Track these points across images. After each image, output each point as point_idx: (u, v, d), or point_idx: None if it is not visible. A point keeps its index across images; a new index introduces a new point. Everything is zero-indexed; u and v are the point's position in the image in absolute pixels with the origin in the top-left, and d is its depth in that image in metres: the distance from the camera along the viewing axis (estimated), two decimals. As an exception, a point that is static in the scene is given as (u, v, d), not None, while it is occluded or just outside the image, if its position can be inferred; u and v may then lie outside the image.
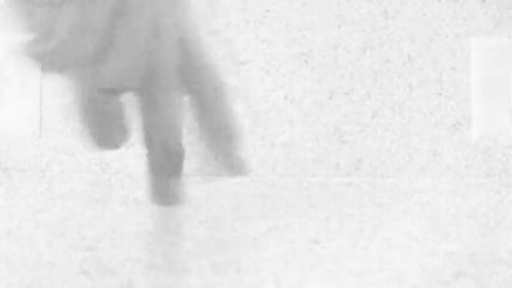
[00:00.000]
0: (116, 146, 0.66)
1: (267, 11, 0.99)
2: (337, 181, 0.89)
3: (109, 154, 1.01)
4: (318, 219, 0.56)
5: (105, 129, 0.66)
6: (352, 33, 0.98)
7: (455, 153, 0.98)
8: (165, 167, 0.65)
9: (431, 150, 0.98)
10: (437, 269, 0.38)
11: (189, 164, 0.89)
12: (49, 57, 0.62)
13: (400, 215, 0.59)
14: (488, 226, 0.53)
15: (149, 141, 0.66)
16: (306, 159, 0.98)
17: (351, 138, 0.98)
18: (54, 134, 1.01)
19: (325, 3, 0.99)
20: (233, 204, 0.65)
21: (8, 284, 0.34)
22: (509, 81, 0.99)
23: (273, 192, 0.75)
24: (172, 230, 0.50)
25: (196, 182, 0.84)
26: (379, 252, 0.43)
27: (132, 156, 1.01)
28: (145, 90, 0.64)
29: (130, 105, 0.70)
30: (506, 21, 0.99)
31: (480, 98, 0.98)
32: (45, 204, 0.64)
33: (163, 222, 0.54)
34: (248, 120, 0.99)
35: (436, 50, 0.98)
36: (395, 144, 0.97)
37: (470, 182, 0.89)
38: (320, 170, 0.98)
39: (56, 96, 1.02)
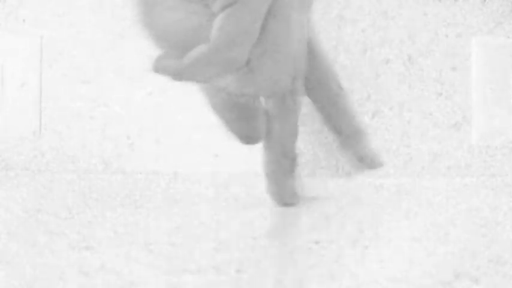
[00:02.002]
0: (254, 141, 0.64)
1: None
2: (338, 181, 0.89)
3: (109, 154, 1.01)
4: (318, 219, 0.56)
5: (244, 127, 0.64)
6: (352, 33, 0.98)
7: (455, 153, 0.98)
8: (283, 169, 0.64)
9: (431, 150, 0.98)
10: (437, 269, 0.38)
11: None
12: (196, 66, 0.60)
13: (400, 215, 0.59)
14: (488, 226, 0.53)
15: (270, 144, 0.64)
16: (306, 159, 0.98)
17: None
18: (54, 134, 1.01)
19: (325, 3, 0.99)
20: (233, 204, 0.65)
21: (8, 284, 0.34)
22: (509, 81, 0.99)
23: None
24: (172, 231, 0.51)
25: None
26: (379, 252, 0.43)
27: (132, 156, 1.01)
28: (280, 95, 0.62)
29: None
30: (506, 21, 0.99)
31: (480, 98, 0.98)
32: (45, 204, 0.64)
33: (164, 223, 0.54)
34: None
35: (436, 50, 0.98)
36: (395, 144, 0.97)
37: (470, 182, 0.89)
38: (320, 170, 0.98)
39: (56, 96, 1.02)
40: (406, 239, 0.48)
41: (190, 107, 1.03)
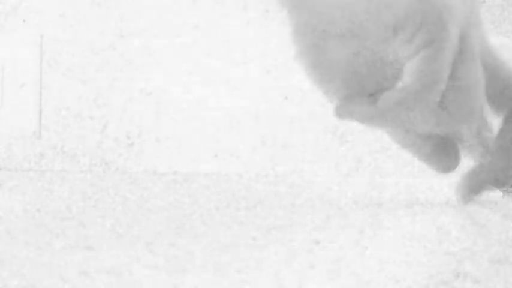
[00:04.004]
0: (449, 170, 0.64)
1: (266, 11, 0.99)
2: (337, 181, 0.89)
3: (109, 154, 1.01)
4: (318, 219, 0.56)
5: (440, 159, 0.64)
6: (352, 33, 0.98)
7: (455, 153, 0.98)
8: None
9: (431, 150, 0.97)
10: (437, 269, 0.38)
11: None
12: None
13: (400, 215, 0.59)
14: (488, 226, 0.53)
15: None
16: (305, 159, 0.98)
17: (351, 138, 0.98)
18: (54, 134, 1.01)
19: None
20: (233, 204, 0.65)
21: (8, 284, 0.34)
22: (509, 81, 0.99)
23: (272, 191, 0.75)
24: (172, 232, 0.51)
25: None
26: (379, 252, 0.43)
27: (132, 156, 1.01)
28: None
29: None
30: (506, 21, 0.99)
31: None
32: (45, 204, 0.64)
33: (164, 222, 0.54)
34: (248, 120, 0.99)
35: (436, 50, 0.98)
36: (396, 144, 0.97)
37: (470, 182, 0.89)
38: (320, 170, 0.98)
39: (56, 96, 1.02)
40: (406, 239, 0.48)
41: (190, 107, 1.03)
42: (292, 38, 0.62)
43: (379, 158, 0.97)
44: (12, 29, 1.02)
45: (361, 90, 0.61)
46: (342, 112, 0.61)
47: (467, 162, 0.65)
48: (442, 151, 0.63)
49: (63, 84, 1.02)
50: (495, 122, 0.64)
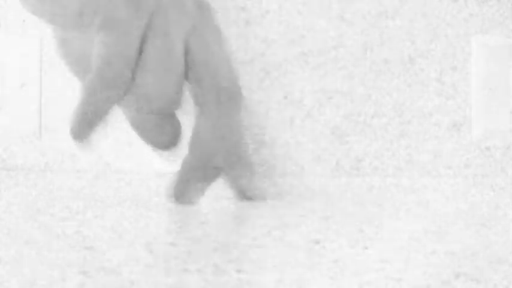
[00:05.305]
0: (167, 147, 0.65)
1: (267, 11, 0.99)
2: (337, 181, 0.89)
3: (109, 154, 1.01)
4: (318, 219, 0.56)
5: (155, 136, 0.65)
6: (352, 33, 0.98)
7: (455, 153, 0.98)
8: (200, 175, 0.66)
9: (431, 150, 0.98)
10: (437, 269, 0.38)
11: None
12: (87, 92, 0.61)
13: (400, 215, 0.59)
14: (488, 226, 0.53)
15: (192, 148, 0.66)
16: (305, 159, 0.98)
17: (351, 138, 0.98)
18: (54, 134, 1.01)
19: (325, 3, 0.99)
20: (233, 204, 0.65)
21: (8, 284, 0.34)
22: (509, 81, 0.99)
23: (272, 191, 0.75)
24: (172, 231, 0.51)
25: None
26: (379, 252, 0.43)
27: (132, 156, 1.01)
28: (170, 110, 0.64)
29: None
30: (506, 21, 0.99)
31: (480, 98, 0.98)
32: (45, 204, 0.64)
33: (163, 222, 0.54)
34: (248, 121, 0.99)
35: (436, 50, 0.98)
36: (395, 144, 0.97)
37: (470, 182, 0.89)
38: (320, 170, 0.98)
39: (56, 96, 1.02)
40: (406, 239, 0.48)
41: (190, 107, 1.03)
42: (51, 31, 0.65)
43: (379, 158, 0.97)
44: (12, 29, 1.02)
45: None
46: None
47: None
48: (158, 128, 0.64)
49: (63, 84, 1.02)
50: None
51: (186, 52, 0.63)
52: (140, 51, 0.60)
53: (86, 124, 0.59)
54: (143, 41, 0.60)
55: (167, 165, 1.01)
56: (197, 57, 0.63)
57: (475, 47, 0.98)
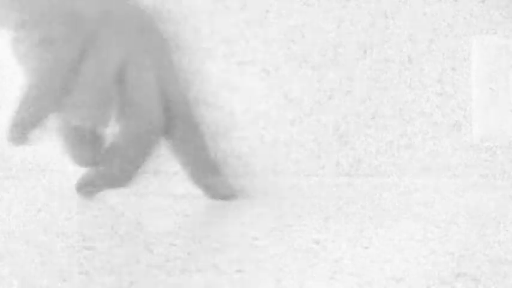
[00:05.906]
0: (86, 164, 0.68)
1: (267, 11, 0.99)
2: (337, 181, 0.89)
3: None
4: (318, 219, 0.56)
5: (77, 151, 0.68)
6: (352, 33, 0.98)
7: (455, 153, 0.98)
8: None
9: (431, 150, 0.98)
10: (437, 269, 0.38)
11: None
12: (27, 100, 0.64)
13: (400, 215, 0.59)
14: (488, 226, 0.53)
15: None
16: (305, 159, 0.98)
17: (351, 138, 0.98)
18: (54, 134, 1.01)
19: (325, 3, 0.99)
20: (232, 203, 0.65)
21: (8, 284, 0.34)
22: (509, 82, 0.99)
23: (272, 191, 0.75)
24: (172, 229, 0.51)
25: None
26: (379, 252, 0.43)
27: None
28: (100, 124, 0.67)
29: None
30: (506, 21, 0.99)
31: (480, 98, 0.98)
32: (45, 204, 0.64)
33: (163, 222, 0.54)
34: (248, 121, 0.99)
35: (436, 50, 0.98)
36: (395, 144, 0.97)
37: (470, 182, 0.89)
38: (320, 170, 0.98)
39: (56, 96, 1.02)
40: (406, 239, 0.48)
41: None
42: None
43: (379, 158, 0.97)
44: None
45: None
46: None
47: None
48: (80, 143, 0.67)
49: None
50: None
51: (120, 80, 0.65)
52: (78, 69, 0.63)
53: (20, 130, 0.63)
54: (81, 59, 0.63)
55: (160, 164, 1.01)
56: (127, 92, 0.66)
57: (475, 47, 0.98)
